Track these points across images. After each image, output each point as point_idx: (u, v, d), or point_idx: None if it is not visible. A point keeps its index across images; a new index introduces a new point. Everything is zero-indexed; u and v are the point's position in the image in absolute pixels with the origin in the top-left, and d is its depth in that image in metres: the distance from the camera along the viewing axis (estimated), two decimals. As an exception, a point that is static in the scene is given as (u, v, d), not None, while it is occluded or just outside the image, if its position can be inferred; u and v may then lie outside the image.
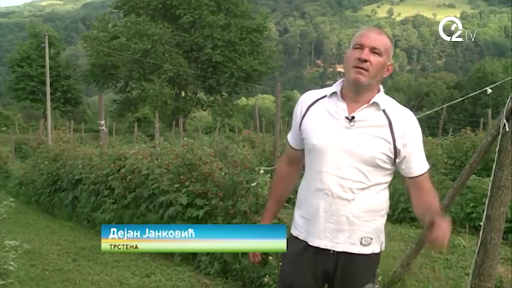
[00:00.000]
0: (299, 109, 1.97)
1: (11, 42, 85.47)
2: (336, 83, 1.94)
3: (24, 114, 46.00)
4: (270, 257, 3.84)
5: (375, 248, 1.91)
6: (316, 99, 1.94)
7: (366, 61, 1.80)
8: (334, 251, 1.88)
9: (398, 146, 1.84)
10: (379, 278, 3.57)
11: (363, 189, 1.84)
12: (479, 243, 2.99)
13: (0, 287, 3.65)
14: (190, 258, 4.90)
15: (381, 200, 1.91)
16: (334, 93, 1.90)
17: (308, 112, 1.93)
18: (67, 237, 6.52)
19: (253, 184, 4.44)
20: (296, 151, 2.05)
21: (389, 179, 1.92)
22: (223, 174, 4.93)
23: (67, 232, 6.97)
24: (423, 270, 4.36)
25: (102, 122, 9.17)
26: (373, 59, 1.81)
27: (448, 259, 4.95)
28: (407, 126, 1.85)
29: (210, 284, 4.28)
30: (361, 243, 1.87)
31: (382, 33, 1.87)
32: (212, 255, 4.51)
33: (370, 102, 1.84)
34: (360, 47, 1.83)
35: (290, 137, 2.06)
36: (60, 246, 6.00)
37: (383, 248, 1.96)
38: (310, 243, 1.91)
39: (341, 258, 1.88)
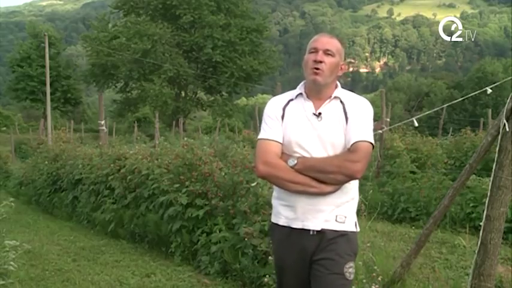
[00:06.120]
0: (274, 112, 2.16)
1: (11, 42, 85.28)
2: (299, 86, 2.20)
3: (24, 114, 45.98)
4: (270, 257, 3.84)
5: (350, 226, 2.10)
6: (286, 101, 2.18)
7: (321, 62, 2.07)
8: (314, 230, 2.06)
9: (348, 121, 2.08)
10: (379, 278, 3.57)
11: None
12: (479, 243, 2.99)
13: (0, 287, 3.65)
14: (190, 258, 4.91)
15: (351, 183, 2.09)
16: (300, 94, 2.16)
17: (284, 113, 2.15)
18: (67, 237, 6.53)
19: (253, 184, 4.44)
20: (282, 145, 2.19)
21: None
22: (223, 174, 4.93)
23: (67, 232, 6.97)
24: (423, 270, 4.35)
25: (102, 122, 9.16)
26: (327, 60, 2.08)
27: (448, 259, 4.95)
28: (355, 105, 2.10)
29: (210, 284, 4.27)
30: (336, 221, 2.07)
31: (333, 37, 2.15)
32: (212, 255, 4.51)
33: (332, 96, 2.11)
34: (315, 50, 2.10)
35: (275, 135, 2.12)
36: (60, 246, 6.01)
37: (358, 229, 2.14)
38: (293, 226, 2.10)
39: (322, 237, 2.06)
